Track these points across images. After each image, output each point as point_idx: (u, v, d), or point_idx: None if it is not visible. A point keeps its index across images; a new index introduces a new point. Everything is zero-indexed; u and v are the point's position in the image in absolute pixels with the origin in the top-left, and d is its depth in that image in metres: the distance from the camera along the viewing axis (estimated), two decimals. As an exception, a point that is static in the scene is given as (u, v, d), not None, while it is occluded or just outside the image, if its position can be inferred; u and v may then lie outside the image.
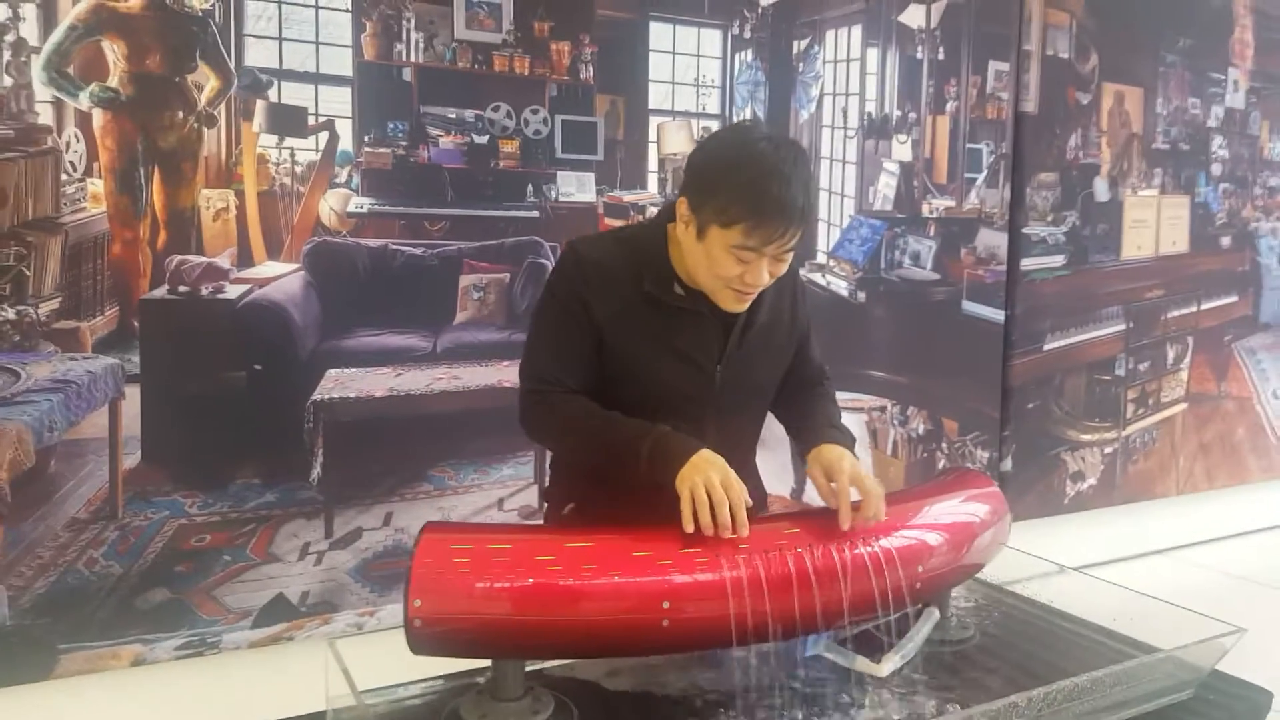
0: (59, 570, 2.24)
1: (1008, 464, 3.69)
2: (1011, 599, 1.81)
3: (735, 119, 3.05)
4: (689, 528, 1.33)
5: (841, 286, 3.29)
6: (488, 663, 1.35)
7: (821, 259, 3.27)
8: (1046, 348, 3.73)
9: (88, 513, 2.28)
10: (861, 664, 1.48)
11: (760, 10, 3.03)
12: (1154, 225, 3.96)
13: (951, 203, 3.49)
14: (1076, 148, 3.72)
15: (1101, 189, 3.82)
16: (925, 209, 3.44)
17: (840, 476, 1.43)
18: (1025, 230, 3.61)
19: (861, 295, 3.32)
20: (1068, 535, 3.67)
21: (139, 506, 2.32)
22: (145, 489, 2.33)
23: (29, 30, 2.15)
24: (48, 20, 2.16)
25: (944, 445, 3.60)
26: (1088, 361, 3.85)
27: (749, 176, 1.34)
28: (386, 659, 1.34)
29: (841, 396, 3.41)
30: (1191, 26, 3.95)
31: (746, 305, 1.48)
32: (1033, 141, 3.60)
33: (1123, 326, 3.91)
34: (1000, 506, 1.70)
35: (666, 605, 1.29)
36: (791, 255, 1.43)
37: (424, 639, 1.25)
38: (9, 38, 2.13)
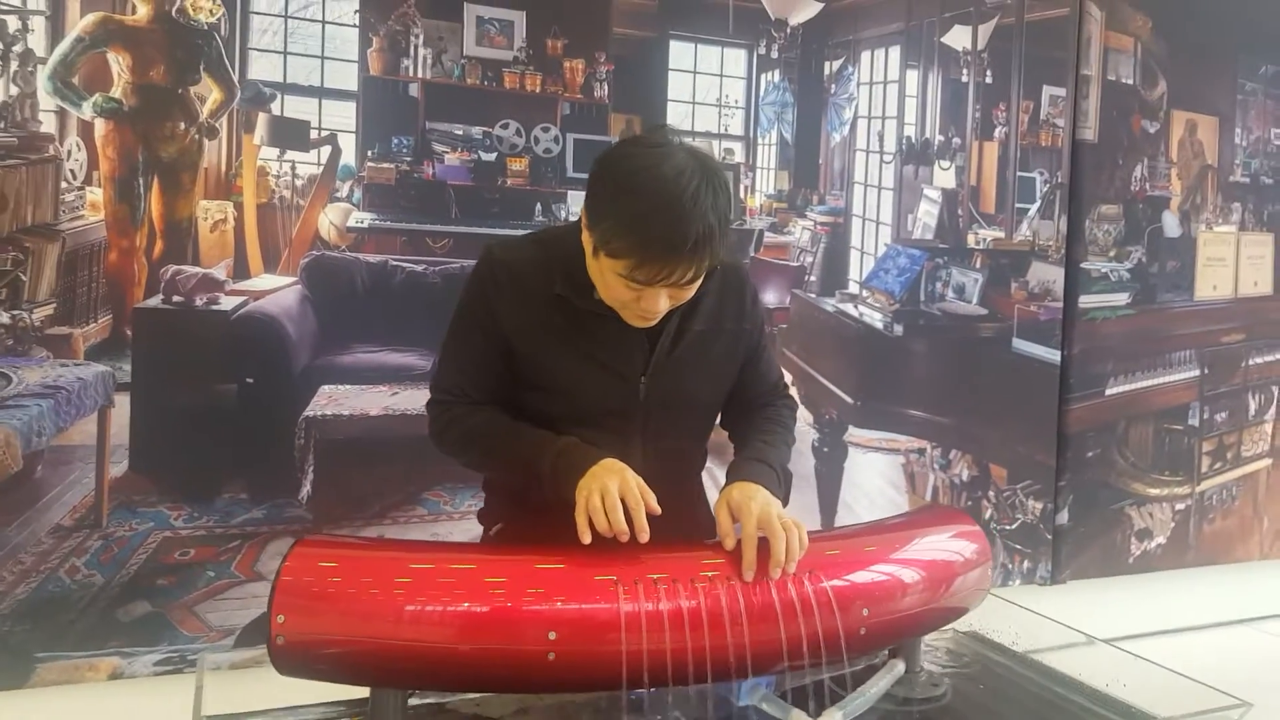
0: (40, 577, 2.23)
1: (1064, 516, 3.42)
2: (1000, 654, 1.62)
3: (760, 141, 2.94)
4: (585, 539, 1.21)
5: (876, 318, 3.12)
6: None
7: (854, 288, 3.11)
8: (1109, 392, 3.46)
9: (72, 520, 2.27)
10: (796, 717, 1.31)
11: (789, 30, 2.93)
12: (1232, 264, 3.67)
13: (1001, 234, 3.30)
14: (1142, 179, 3.48)
15: (1171, 223, 3.56)
16: (971, 239, 3.25)
17: (746, 519, 1.26)
18: (1084, 265, 3.38)
19: (898, 328, 3.14)
20: (1131, 598, 3.37)
21: (124, 516, 2.31)
22: (131, 499, 2.31)
23: (36, 41, 2.19)
24: (55, 32, 2.21)
25: (991, 493, 3.36)
26: (1156, 409, 3.56)
27: (637, 209, 1.19)
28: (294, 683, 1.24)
29: (875, 436, 3.32)
30: (1274, 53, 3.69)
31: (653, 323, 1.34)
32: (1092, 171, 3.38)
33: (1196, 372, 3.61)
34: (982, 547, 1.52)
35: (553, 636, 1.16)
36: (697, 284, 1.28)
37: (288, 659, 1.16)
38: (17, 48, 2.17)
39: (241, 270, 2.40)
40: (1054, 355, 3.35)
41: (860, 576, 1.33)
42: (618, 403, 1.39)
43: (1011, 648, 1.63)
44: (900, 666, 1.45)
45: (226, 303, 2.38)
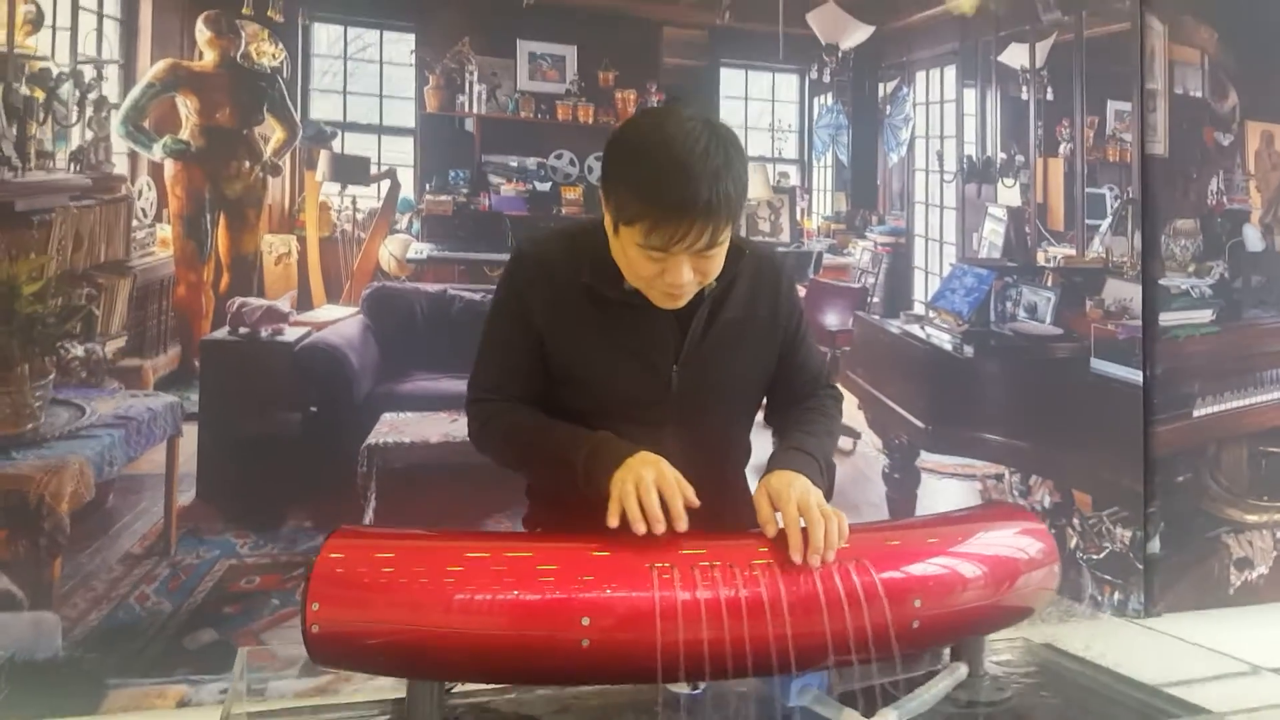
0: (112, 604, 2.27)
1: (1155, 545, 3.25)
2: (1072, 661, 1.50)
3: (815, 164, 2.92)
4: (613, 521, 1.17)
5: (944, 340, 3.04)
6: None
7: (920, 309, 3.04)
8: (1196, 414, 3.30)
9: (142, 548, 2.31)
10: (849, 717, 1.23)
11: (840, 54, 2.93)
12: (1323, 277, 3.50)
13: (1071, 251, 3.20)
14: (1218, 192, 3.36)
15: (1253, 237, 3.41)
16: (1041, 257, 3.16)
17: (785, 506, 1.20)
18: (1162, 282, 3.26)
19: (969, 349, 3.05)
20: (1232, 631, 3.16)
21: (191, 544, 2.34)
22: (198, 527, 2.35)
23: (110, 88, 2.31)
24: (128, 79, 2.32)
25: (1076, 520, 3.21)
26: (1249, 431, 3.38)
27: (647, 170, 1.18)
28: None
29: (950, 462, 3.21)
30: (1354, 58, 3.55)
31: (682, 303, 1.30)
32: (1164, 186, 3.28)
33: (1292, 391, 3.43)
34: (1048, 546, 1.42)
35: (586, 622, 1.12)
36: (720, 252, 1.25)
37: (324, 648, 1.14)
38: (92, 95, 2.29)
39: (305, 302, 2.45)
40: (1136, 375, 3.21)
41: (912, 567, 1.26)
42: (650, 393, 1.35)
43: (1083, 655, 1.52)
44: (962, 669, 1.35)
45: (291, 333, 2.43)
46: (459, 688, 1.27)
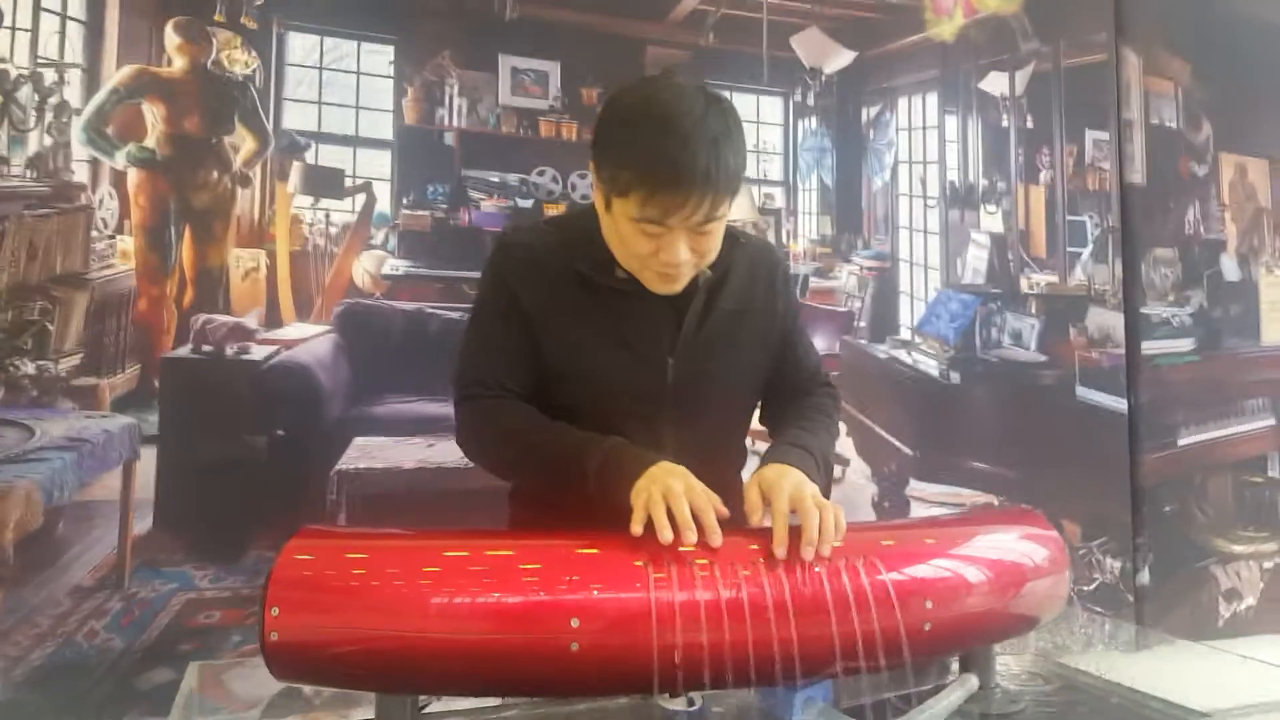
0: (58, 641, 2.11)
1: (1144, 576, 3.19)
2: (1083, 675, 1.43)
3: (801, 186, 2.88)
4: (637, 529, 1.07)
5: (931, 365, 2.98)
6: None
7: (906, 334, 2.98)
8: (1181, 442, 3.27)
9: (93, 580, 2.15)
10: (858, 732, 1.13)
11: (824, 78, 2.90)
12: (1298, 307, 3.51)
13: (1054, 278, 3.18)
14: (1196, 222, 3.37)
15: (1230, 268, 3.43)
16: (1024, 284, 3.13)
17: (777, 497, 1.12)
18: (1144, 310, 3.24)
19: (955, 376, 3.00)
20: (1222, 664, 3.09)
21: (147, 576, 2.19)
22: (155, 557, 2.20)
23: (72, 93, 2.20)
24: (91, 83, 2.22)
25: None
26: (1233, 460, 3.35)
27: (640, 136, 1.12)
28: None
29: (936, 490, 3.14)
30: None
31: (677, 286, 1.23)
32: (1143, 215, 3.28)
33: (1272, 421, 3.42)
34: (1059, 554, 1.34)
35: (575, 624, 1.01)
36: (718, 229, 1.19)
37: (284, 658, 1.02)
38: (53, 100, 2.18)
39: (274, 319, 2.34)
40: (1120, 404, 3.18)
41: (922, 567, 1.17)
42: (645, 385, 1.27)
43: (1094, 671, 1.44)
44: (973, 681, 1.27)
45: (258, 352, 2.31)
46: (432, 705, 1.15)
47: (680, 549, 1.06)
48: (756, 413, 1.47)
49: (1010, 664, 1.43)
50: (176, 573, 2.21)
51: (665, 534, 1.05)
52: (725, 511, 1.10)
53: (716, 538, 1.06)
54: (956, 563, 1.21)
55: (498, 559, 1.06)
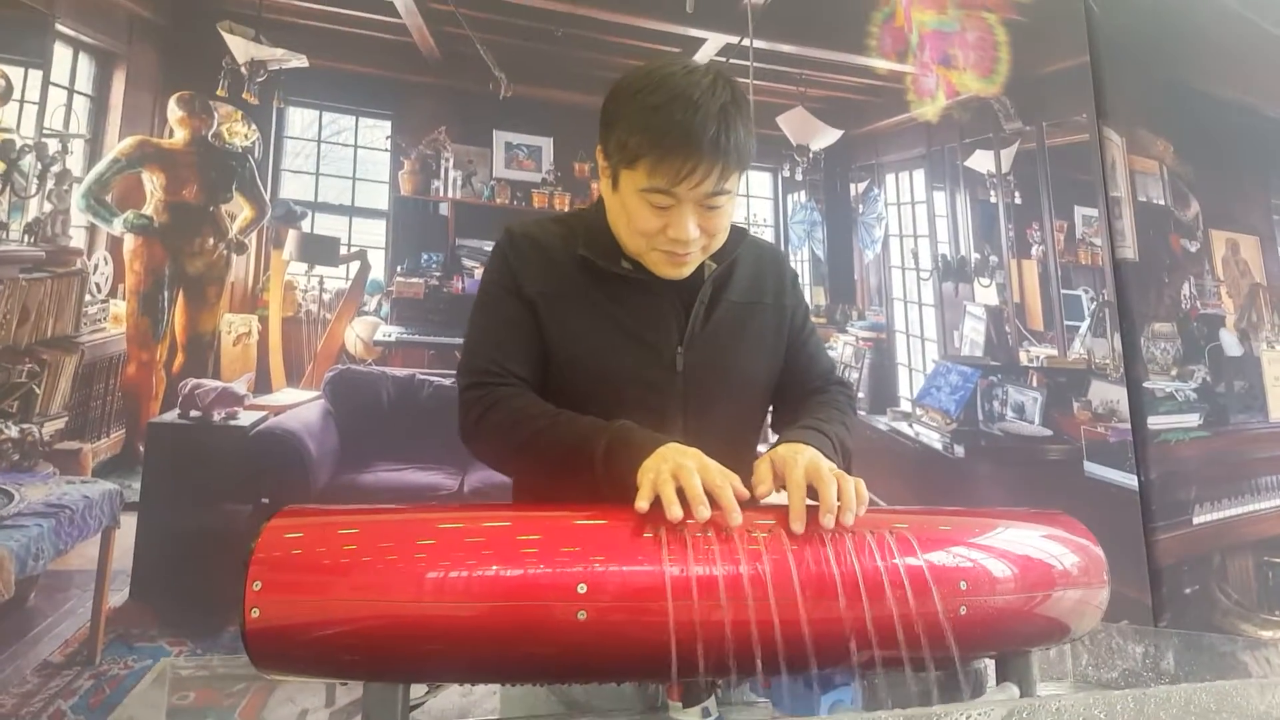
0: (21, 721, 1.98)
1: (1169, 662, 3.03)
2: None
3: (792, 258, 2.89)
4: (643, 505, 1.00)
5: (934, 438, 2.93)
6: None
7: (906, 406, 2.94)
8: (1196, 520, 3.18)
9: (63, 655, 2.05)
10: (891, 734, 1.04)
11: (811, 155, 2.96)
12: (1304, 382, 3.48)
13: (1054, 351, 3.16)
14: (1192, 297, 3.37)
15: (1230, 342, 3.41)
16: (1023, 357, 3.11)
17: (791, 470, 1.06)
18: (1147, 384, 3.21)
19: (959, 449, 2.94)
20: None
21: (120, 652, 2.08)
22: (129, 631, 2.10)
23: (74, 162, 2.24)
24: (94, 153, 2.26)
25: (1086, 638, 3.00)
26: (1253, 540, 3.25)
27: (650, 103, 1.12)
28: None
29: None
30: (1303, 173, 3.68)
31: (684, 270, 1.22)
32: (1138, 289, 3.29)
33: (1289, 498, 3.33)
34: (1098, 566, 1.27)
35: (583, 589, 0.93)
36: (724, 203, 1.18)
37: (265, 641, 0.95)
38: (55, 168, 2.21)
39: (263, 384, 2.30)
40: (1130, 480, 3.11)
41: (957, 549, 1.10)
42: (654, 376, 1.24)
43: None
44: (1014, 690, 1.18)
45: (246, 417, 2.27)
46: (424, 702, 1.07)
47: (693, 529, 0.98)
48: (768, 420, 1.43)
49: (1050, 688, 1.36)
50: (151, 648, 2.11)
51: (674, 510, 0.97)
52: (745, 491, 1.03)
53: (736, 515, 0.98)
54: (990, 549, 1.14)
55: (497, 529, 0.99)
